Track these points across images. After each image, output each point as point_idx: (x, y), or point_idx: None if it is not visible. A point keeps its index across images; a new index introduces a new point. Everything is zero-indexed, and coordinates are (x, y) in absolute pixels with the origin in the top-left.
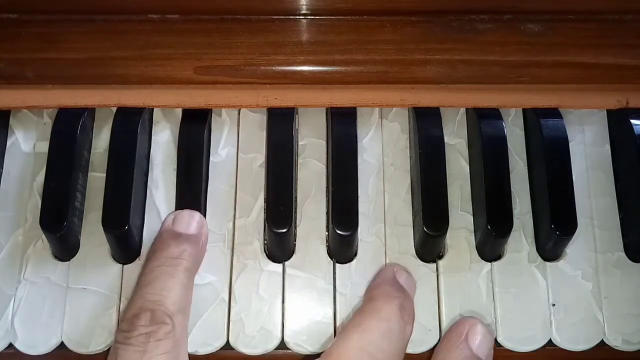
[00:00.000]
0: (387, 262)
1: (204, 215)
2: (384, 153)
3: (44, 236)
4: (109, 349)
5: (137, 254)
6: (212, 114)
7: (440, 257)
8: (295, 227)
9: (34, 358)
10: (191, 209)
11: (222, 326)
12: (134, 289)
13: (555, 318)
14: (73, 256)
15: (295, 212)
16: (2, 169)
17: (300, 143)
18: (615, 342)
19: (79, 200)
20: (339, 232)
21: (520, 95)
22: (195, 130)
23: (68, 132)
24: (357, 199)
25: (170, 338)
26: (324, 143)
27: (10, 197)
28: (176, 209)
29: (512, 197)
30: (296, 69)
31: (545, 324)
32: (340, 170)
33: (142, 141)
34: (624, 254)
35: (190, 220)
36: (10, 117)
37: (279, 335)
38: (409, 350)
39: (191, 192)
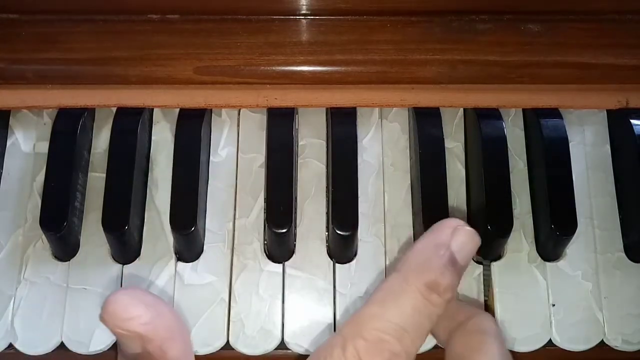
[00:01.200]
0: (387, 262)
1: (204, 215)
2: (384, 153)
3: (44, 236)
4: (108, 349)
5: (137, 254)
6: (212, 114)
7: None
8: (295, 227)
9: (34, 358)
10: (186, 208)
11: (222, 326)
12: (385, 295)
13: (555, 318)
14: (73, 256)
15: (295, 212)
16: (2, 169)
17: (300, 143)
18: (615, 342)
19: (79, 200)
20: (338, 232)
21: (520, 95)
22: (191, 130)
23: (68, 132)
24: (357, 199)
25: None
26: (324, 143)
27: (10, 197)
28: (171, 209)
29: (512, 197)
30: (296, 69)
31: (545, 324)
32: (340, 170)
33: (142, 141)
34: (624, 254)
35: (471, 248)
36: (10, 117)
37: (279, 335)
38: None
39: (186, 192)
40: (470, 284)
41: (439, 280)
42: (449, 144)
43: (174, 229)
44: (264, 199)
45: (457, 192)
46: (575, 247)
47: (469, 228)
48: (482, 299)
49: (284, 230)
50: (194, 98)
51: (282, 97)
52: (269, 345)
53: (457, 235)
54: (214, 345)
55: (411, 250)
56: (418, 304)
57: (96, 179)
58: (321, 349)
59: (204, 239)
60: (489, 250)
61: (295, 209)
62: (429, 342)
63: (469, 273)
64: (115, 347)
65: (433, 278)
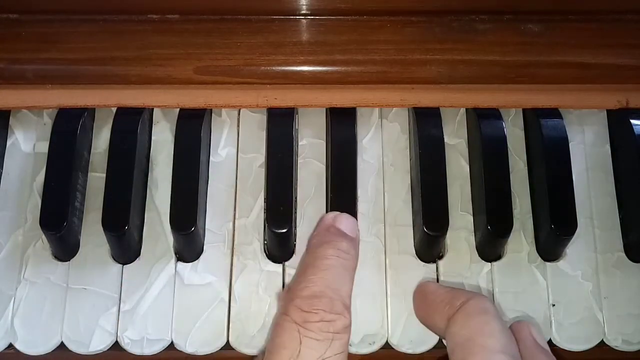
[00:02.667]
0: (387, 262)
1: (204, 215)
2: (384, 153)
3: (44, 236)
4: (109, 349)
5: (137, 254)
6: (212, 114)
7: (440, 257)
8: (295, 228)
9: (34, 358)
10: (186, 208)
11: (222, 326)
12: (304, 269)
13: (555, 318)
14: (73, 256)
15: (295, 213)
16: (2, 169)
17: (300, 143)
18: (615, 342)
19: (79, 200)
20: None
21: (520, 95)
22: (191, 130)
23: (68, 132)
24: (357, 199)
25: (346, 333)
26: (324, 143)
27: (10, 197)
28: (171, 208)
29: (512, 197)
30: (296, 69)
31: (545, 324)
32: (340, 170)
33: (142, 141)
34: (624, 254)
35: (352, 223)
36: (10, 117)
37: None
38: (409, 351)
39: (186, 192)
40: (479, 283)
41: (339, 244)
42: (451, 140)
43: (174, 229)
44: (264, 199)
45: (461, 189)
46: (575, 247)
47: (343, 213)
48: (490, 297)
49: (284, 230)
50: (194, 98)
51: (282, 97)
52: None
53: (337, 218)
54: (214, 345)
55: (311, 237)
56: (331, 261)
57: (96, 179)
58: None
59: (204, 239)
60: (489, 251)
61: (295, 209)
62: (429, 342)
63: (476, 272)
64: (114, 347)
65: (335, 243)
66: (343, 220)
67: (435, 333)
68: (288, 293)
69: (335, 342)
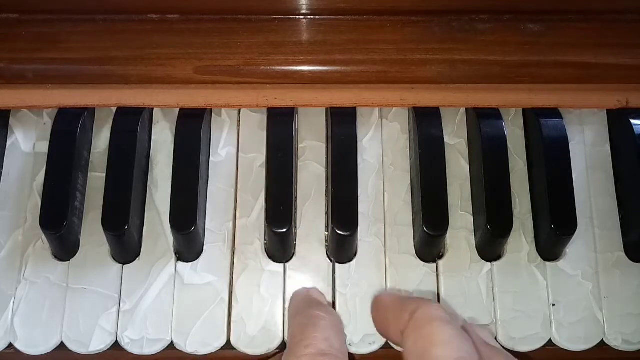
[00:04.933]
0: (387, 262)
1: (204, 216)
2: (384, 153)
3: (44, 236)
4: (108, 349)
5: (137, 254)
6: (212, 114)
7: (440, 257)
8: (295, 229)
9: (34, 358)
10: (186, 208)
11: (222, 326)
12: (298, 328)
13: (555, 318)
14: (73, 256)
15: (296, 213)
16: (2, 169)
17: (300, 145)
18: (615, 342)
19: (79, 200)
20: (339, 232)
21: (520, 95)
22: (191, 130)
23: (68, 132)
24: (357, 199)
25: None
26: (324, 145)
27: (10, 197)
28: (171, 208)
29: (512, 197)
30: (296, 69)
31: (545, 323)
32: (340, 170)
33: (142, 141)
34: (624, 254)
35: (322, 296)
36: (10, 117)
37: (281, 335)
38: None
39: (186, 192)
40: (479, 284)
41: (323, 305)
42: (451, 140)
43: (174, 229)
44: (265, 199)
45: (461, 189)
46: (575, 247)
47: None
48: (490, 297)
49: (284, 230)
50: (194, 98)
51: (282, 97)
52: (270, 344)
53: (310, 292)
54: (214, 345)
55: (290, 307)
56: (327, 319)
57: (96, 179)
58: None
59: (204, 239)
60: (489, 251)
61: (296, 209)
62: None
63: (476, 272)
64: (114, 347)
65: (319, 305)
66: (315, 292)
67: (399, 346)
68: (291, 351)
69: None
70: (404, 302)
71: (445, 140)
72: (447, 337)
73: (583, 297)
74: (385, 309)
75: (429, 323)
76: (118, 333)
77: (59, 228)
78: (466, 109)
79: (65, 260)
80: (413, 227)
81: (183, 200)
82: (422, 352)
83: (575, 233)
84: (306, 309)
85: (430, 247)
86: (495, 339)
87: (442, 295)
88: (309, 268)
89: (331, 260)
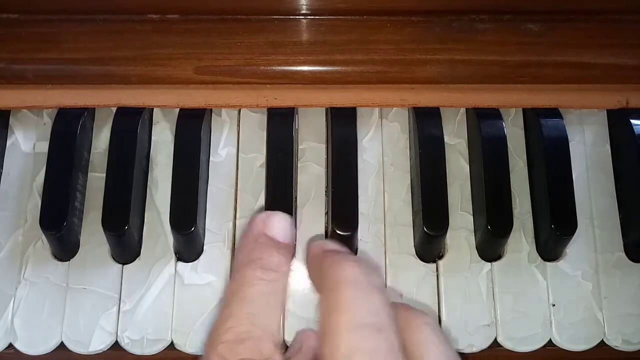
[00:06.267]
0: (387, 262)
1: (204, 216)
2: (384, 153)
3: (44, 236)
4: (108, 349)
5: (137, 254)
6: (212, 114)
7: (440, 257)
8: (296, 229)
9: (34, 358)
10: (186, 208)
11: None
12: (230, 299)
13: (555, 318)
14: (73, 256)
15: (296, 213)
16: (2, 169)
17: (300, 147)
18: (615, 342)
19: (79, 200)
20: (339, 232)
21: (520, 95)
22: (191, 130)
23: (68, 132)
24: (357, 199)
25: None
26: (324, 147)
27: (10, 197)
28: (171, 209)
29: (512, 197)
30: (296, 69)
31: (545, 324)
32: (340, 171)
33: (142, 141)
34: (624, 254)
35: (286, 226)
36: (10, 117)
37: (281, 334)
38: None
39: (186, 192)
40: (479, 284)
41: (268, 260)
42: (451, 140)
43: (174, 229)
44: (264, 199)
45: (461, 189)
46: (575, 247)
47: (275, 212)
48: (490, 297)
49: None
50: (194, 98)
51: (282, 97)
52: None
53: (268, 222)
54: None
55: (238, 250)
56: (259, 287)
57: (96, 179)
58: None
59: (204, 239)
60: (489, 251)
61: (296, 209)
62: None
63: (476, 272)
64: (114, 347)
65: (263, 261)
66: (275, 223)
67: None
68: (213, 334)
69: None
70: (325, 257)
71: (445, 140)
72: (349, 302)
73: (583, 297)
74: (311, 260)
75: (333, 288)
76: (118, 333)
77: (59, 228)
78: (466, 109)
79: (65, 260)
80: (413, 227)
81: (183, 200)
82: (323, 323)
83: (575, 233)
84: (245, 265)
85: (430, 247)
86: (495, 339)
87: (442, 295)
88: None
89: None
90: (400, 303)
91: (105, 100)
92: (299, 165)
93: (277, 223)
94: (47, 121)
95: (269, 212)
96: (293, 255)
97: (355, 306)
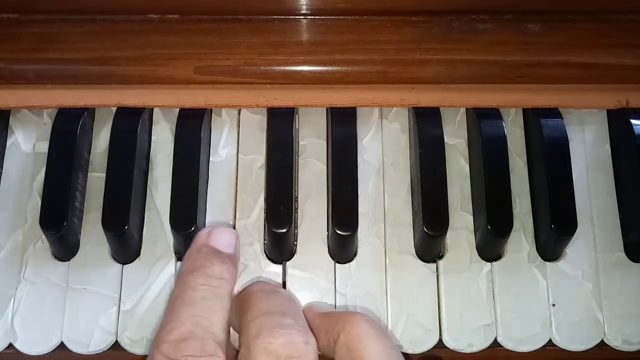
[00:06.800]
0: (387, 262)
1: (204, 216)
2: (384, 153)
3: (44, 236)
4: (108, 349)
5: (137, 254)
6: (212, 114)
7: (440, 257)
8: (296, 227)
9: (34, 358)
10: (186, 208)
11: None
12: (173, 304)
13: (555, 318)
14: (73, 256)
15: (296, 212)
16: (2, 169)
17: (301, 143)
18: (615, 342)
19: (79, 200)
20: (339, 232)
21: (520, 95)
22: (191, 130)
23: (68, 132)
24: (357, 199)
25: None
26: (325, 143)
27: (10, 197)
28: (171, 209)
29: (512, 197)
30: (296, 69)
31: (545, 324)
32: (340, 170)
33: (142, 141)
34: (624, 254)
35: (229, 238)
36: (10, 117)
37: None
38: (409, 350)
39: (186, 192)
40: (479, 284)
41: (210, 269)
42: (451, 140)
43: (174, 229)
44: (264, 199)
45: (461, 189)
46: (575, 247)
47: (220, 226)
48: (490, 297)
49: (284, 230)
50: (194, 98)
51: (282, 97)
52: None
53: (212, 234)
54: None
55: (183, 260)
56: (201, 293)
57: (96, 179)
58: None
59: None
60: (489, 250)
61: (296, 209)
62: (429, 342)
63: (476, 272)
64: (114, 346)
65: (206, 269)
66: (218, 236)
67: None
68: (157, 336)
69: None
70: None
71: (445, 140)
72: (256, 297)
73: (583, 297)
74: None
75: (243, 298)
76: (118, 333)
77: (59, 228)
78: (466, 109)
79: (65, 260)
80: (413, 227)
81: (183, 200)
82: (240, 325)
83: (575, 233)
84: (188, 273)
85: (430, 247)
86: (495, 339)
87: (442, 295)
88: (310, 267)
89: (332, 260)
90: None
91: (105, 100)
92: (300, 161)
93: (221, 235)
94: (47, 121)
95: (213, 226)
96: (236, 265)
97: (260, 302)
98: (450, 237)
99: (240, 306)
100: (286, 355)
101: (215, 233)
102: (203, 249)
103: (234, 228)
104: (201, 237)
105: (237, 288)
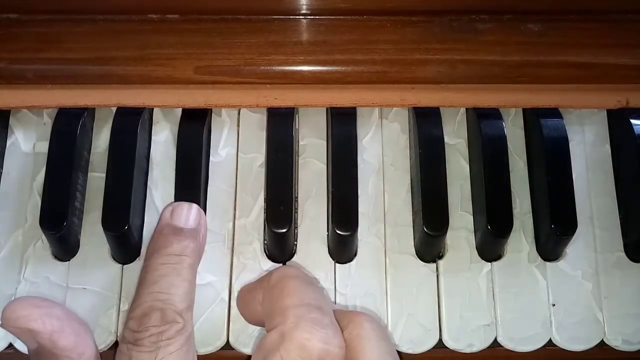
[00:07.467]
0: (387, 262)
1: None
2: (384, 153)
3: (44, 236)
4: (108, 349)
5: (137, 254)
6: (212, 114)
7: (440, 257)
8: (296, 227)
9: None
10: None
11: (222, 326)
12: (138, 287)
13: (555, 318)
14: (73, 256)
15: (296, 212)
16: (2, 169)
17: (301, 143)
18: (615, 342)
19: (79, 200)
20: (338, 232)
21: (520, 95)
22: (193, 130)
23: (68, 132)
24: (357, 199)
25: (182, 334)
26: (325, 143)
27: (10, 197)
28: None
29: (512, 197)
30: (296, 69)
31: (545, 324)
32: (340, 170)
33: (142, 141)
34: (624, 254)
35: (188, 213)
36: (10, 117)
37: None
38: (409, 350)
39: (189, 191)
40: (479, 284)
41: (169, 249)
42: (451, 140)
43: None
44: (264, 198)
45: (461, 189)
46: (575, 247)
47: (180, 202)
48: (490, 297)
49: (284, 230)
50: (194, 98)
51: (282, 97)
52: None
53: (174, 212)
54: (214, 345)
55: (149, 244)
56: (160, 272)
57: (96, 179)
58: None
59: None
60: (489, 250)
61: (296, 208)
62: (429, 342)
63: (476, 272)
64: (115, 346)
65: (165, 249)
66: (180, 213)
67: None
68: (126, 318)
69: (168, 346)
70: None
71: (445, 140)
72: (293, 288)
73: (583, 297)
74: (243, 293)
75: (279, 282)
76: (118, 333)
77: (59, 228)
78: (466, 109)
79: (65, 260)
80: (413, 227)
81: (183, 200)
82: (270, 310)
83: (575, 233)
84: (150, 255)
85: (430, 247)
86: (495, 339)
87: (442, 295)
88: (310, 267)
89: (332, 259)
90: (345, 309)
91: (105, 100)
92: (300, 161)
93: (181, 211)
94: (47, 121)
95: (175, 203)
96: (197, 237)
97: (298, 291)
98: (450, 237)
99: (274, 287)
100: (319, 358)
101: (176, 210)
102: (164, 230)
103: (234, 227)
104: (164, 217)
105: (238, 286)
